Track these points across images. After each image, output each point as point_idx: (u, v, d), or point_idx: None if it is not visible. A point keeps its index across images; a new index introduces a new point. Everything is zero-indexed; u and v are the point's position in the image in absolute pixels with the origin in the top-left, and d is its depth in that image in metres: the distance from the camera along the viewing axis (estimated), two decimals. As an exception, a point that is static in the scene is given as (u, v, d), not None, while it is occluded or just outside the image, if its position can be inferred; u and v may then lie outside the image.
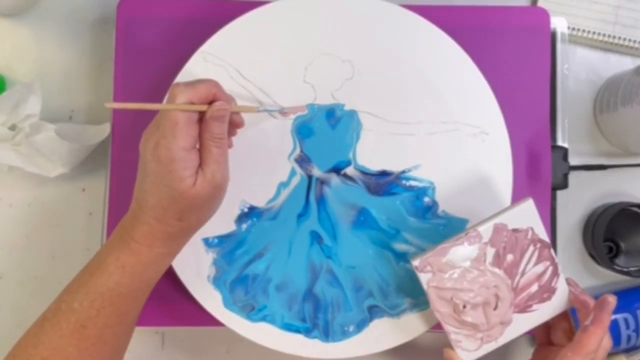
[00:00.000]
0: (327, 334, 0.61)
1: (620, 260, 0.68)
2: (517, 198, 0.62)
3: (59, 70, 0.69)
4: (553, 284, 0.57)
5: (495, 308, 0.56)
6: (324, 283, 0.61)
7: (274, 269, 0.61)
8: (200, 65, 0.62)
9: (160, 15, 0.66)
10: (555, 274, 0.57)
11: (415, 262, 0.56)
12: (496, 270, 0.56)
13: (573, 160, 0.68)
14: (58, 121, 0.66)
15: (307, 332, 0.61)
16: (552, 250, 0.57)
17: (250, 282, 0.61)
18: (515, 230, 0.56)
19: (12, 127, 0.63)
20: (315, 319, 0.61)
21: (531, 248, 0.57)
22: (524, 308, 0.57)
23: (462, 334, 0.57)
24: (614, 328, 0.66)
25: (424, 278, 0.56)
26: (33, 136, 0.62)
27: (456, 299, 0.56)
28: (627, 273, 0.67)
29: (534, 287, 0.57)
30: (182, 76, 0.62)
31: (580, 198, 0.70)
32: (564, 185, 0.66)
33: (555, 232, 0.67)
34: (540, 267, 0.57)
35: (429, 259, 0.55)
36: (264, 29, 0.62)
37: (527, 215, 0.56)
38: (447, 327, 0.57)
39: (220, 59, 0.62)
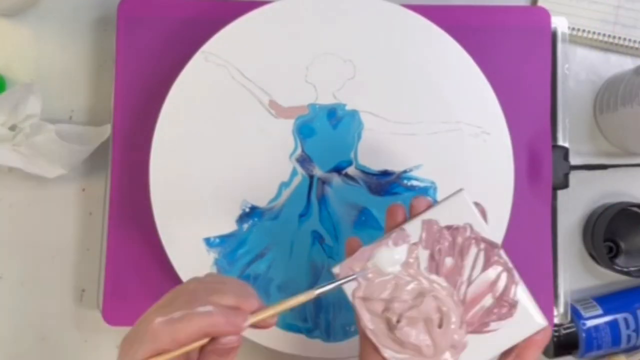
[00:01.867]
0: (328, 334, 0.61)
1: (620, 260, 0.68)
2: (518, 198, 0.62)
3: (59, 70, 0.69)
4: (512, 295, 0.46)
5: (440, 325, 0.46)
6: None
7: (276, 269, 0.61)
8: (202, 65, 0.62)
9: (160, 15, 0.66)
10: (511, 282, 0.46)
11: (336, 270, 0.47)
12: (434, 277, 0.46)
13: (573, 160, 0.68)
14: (58, 121, 0.65)
15: (309, 332, 0.61)
16: (502, 252, 0.47)
17: (251, 282, 0.61)
18: (449, 228, 0.47)
19: (12, 128, 0.63)
20: (317, 318, 0.61)
21: (473, 249, 0.47)
22: (479, 327, 0.46)
23: None
24: (614, 328, 0.66)
25: (348, 288, 0.47)
26: (33, 137, 0.61)
27: (388, 312, 0.46)
28: (627, 273, 0.67)
29: (488, 299, 0.46)
30: (183, 76, 0.62)
31: (580, 198, 0.70)
32: (564, 185, 0.66)
33: (555, 232, 0.67)
34: (491, 274, 0.46)
35: (351, 264, 0.47)
36: (265, 29, 0.62)
37: (461, 209, 0.47)
38: (385, 352, 0.46)
39: (221, 59, 0.62)
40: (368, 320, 0.46)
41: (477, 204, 0.48)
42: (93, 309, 0.65)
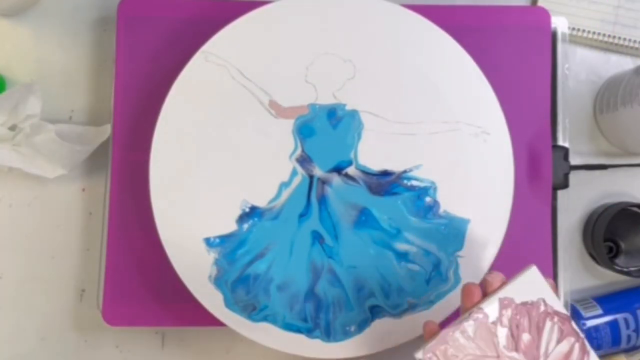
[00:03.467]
0: (328, 334, 0.61)
1: (620, 260, 0.68)
2: (518, 198, 0.62)
3: (59, 70, 0.69)
4: None
5: None
6: (325, 283, 0.61)
7: (276, 269, 0.61)
8: (202, 65, 0.62)
9: (160, 15, 0.66)
10: (584, 351, 0.49)
11: (419, 355, 0.48)
12: (514, 354, 0.48)
13: (573, 160, 0.68)
14: (58, 121, 0.65)
15: (309, 332, 0.61)
16: (573, 324, 0.50)
17: (251, 282, 0.61)
18: (524, 304, 0.49)
19: (12, 128, 0.63)
20: (317, 318, 0.61)
21: (549, 323, 0.49)
22: None
23: None
24: (614, 328, 0.66)
25: None
26: (33, 137, 0.61)
27: None
28: (627, 273, 0.67)
29: None
30: (183, 76, 0.62)
31: (580, 198, 0.70)
32: (564, 185, 0.66)
33: (555, 232, 0.67)
34: (565, 346, 0.49)
35: (432, 348, 0.48)
36: (265, 29, 0.62)
37: (534, 285, 0.50)
38: None
39: (221, 59, 0.62)
40: None
41: (546, 278, 0.50)
42: (93, 309, 0.65)
